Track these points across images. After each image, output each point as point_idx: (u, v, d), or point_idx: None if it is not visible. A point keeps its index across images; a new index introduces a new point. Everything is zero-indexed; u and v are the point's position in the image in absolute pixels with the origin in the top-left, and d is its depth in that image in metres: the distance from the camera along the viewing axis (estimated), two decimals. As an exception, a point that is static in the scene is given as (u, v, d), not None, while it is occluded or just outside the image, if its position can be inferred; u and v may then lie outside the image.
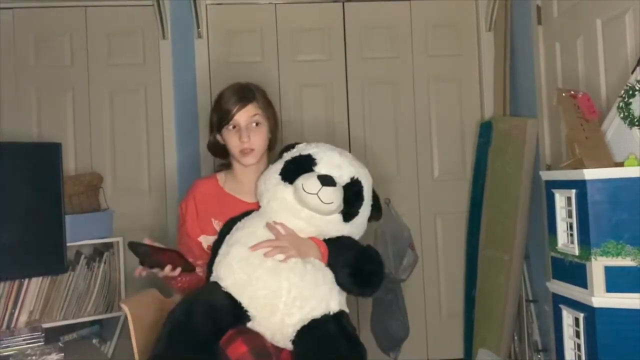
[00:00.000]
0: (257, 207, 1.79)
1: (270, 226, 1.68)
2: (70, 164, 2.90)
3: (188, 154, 3.00)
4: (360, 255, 1.71)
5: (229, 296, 1.58)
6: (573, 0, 2.33)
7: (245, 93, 1.84)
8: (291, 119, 3.08)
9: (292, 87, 3.10)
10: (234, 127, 1.82)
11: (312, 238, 1.69)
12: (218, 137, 1.89)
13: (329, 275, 1.65)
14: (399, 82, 3.16)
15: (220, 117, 1.83)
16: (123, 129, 3.01)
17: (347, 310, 1.68)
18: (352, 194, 1.69)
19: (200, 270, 1.78)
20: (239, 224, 1.72)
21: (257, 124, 1.83)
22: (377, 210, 1.81)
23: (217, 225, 1.82)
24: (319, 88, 3.12)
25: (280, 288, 1.57)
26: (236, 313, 1.58)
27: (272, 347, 1.59)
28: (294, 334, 1.57)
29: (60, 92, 2.97)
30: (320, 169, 1.69)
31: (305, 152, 1.74)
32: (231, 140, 1.82)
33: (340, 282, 1.66)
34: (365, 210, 1.75)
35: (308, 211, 1.65)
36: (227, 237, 1.70)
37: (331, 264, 1.67)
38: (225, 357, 1.50)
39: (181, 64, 3.03)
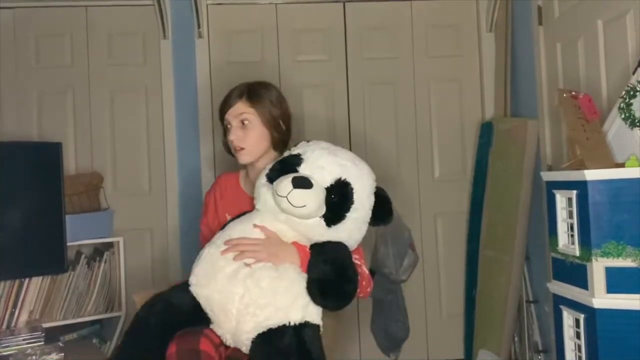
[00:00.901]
0: None
1: (258, 227, 1.64)
2: (70, 164, 2.90)
3: (188, 153, 3.00)
4: (335, 269, 1.57)
5: (191, 297, 1.57)
6: (574, 1, 2.33)
7: (237, 92, 1.85)
8: (292, 119, 3.08)
9: (293, 87, 3.09)
10: (228, 126, 1.85)
11: (294, 243, 1.61)
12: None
13: (295, 284, 1.55)
14: (399, 83, 3.16)
15: (220, 117, 1.89)
16: (123, 129, 3.01)
17: (316, 322, 1.56)
18: (336, 196, 1.58)
19: None
20: (229, 224, 1.70)
21: (244, 122, 1.82)
22: (382, 213, 1.68)
23: None
24: (320, 88, 3.12)
25: (233, 293, 1.52)
26: (195, 314, 1.56)
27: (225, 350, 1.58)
28: (250, 342, 1.51)
29: (60, 92, 2.97)
30: (304, 169, 1.60)
31: (295, 152, 1.67)
32: (228, 139, 1.86)
33: (307, 288, 1.56)
34: (358, 214, 1.61)
35: (286, 215, 1.58)
36: (215, 236, 1.68)
37: (308, 272, 1.57)
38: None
39: (182, 64, 3.03)
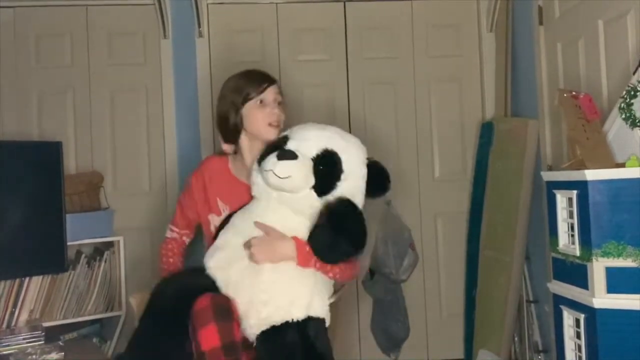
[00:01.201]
0: None
1: (257, 224, 1.68)
2: (71, 163, 2.90)
3: (189, 153, 3.00)
4: (339, 204, 1.60)
5: (208, 277, 1.62)
6: (574, 1, 2.32)
7: (269, 75, 1.92)
8: (291, 119, 3.07)
9: (293, 87, 3.09)
10: (261, 102, 1.85)
11: (294, 238, 1.63)
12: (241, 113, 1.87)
13: (295, 281, 1.59)
14: (400, 82, 3.15)
15: (249, 92, 1.84)
16: (124, 128, 3.01)
17: (321, 316, 1.60)
18: (324, 166, 1.60)
19: None
20: (239, 211, 1.75)
21: (279, 103, 1.89)
22: (378, 184, 1.69)
23: (222, 205, 1.86)
24: (320, 88, 3.11)
25: (244, 285, 1.59)
26: (212, 291, 1.59)
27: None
28: (254, 336, 1.55)
29: (61, 91, 2.97)
30: (290, 145, 1.64)
31: (284, 133, 1.74)
32: (258, 113, 1.85)
33: (312, 241, 1.58)
34: (349, 183, 1.63)
35: (276, 191, 1.62)
36: (228, 223, 1.74)
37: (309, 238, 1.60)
38: (196, 340, 1.48)
39: (182, 63, 3.03)
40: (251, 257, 1.62)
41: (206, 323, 1.46)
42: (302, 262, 1.62)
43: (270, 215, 1.65)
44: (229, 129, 1.88)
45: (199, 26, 3.00)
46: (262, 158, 1.67)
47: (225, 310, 1.51)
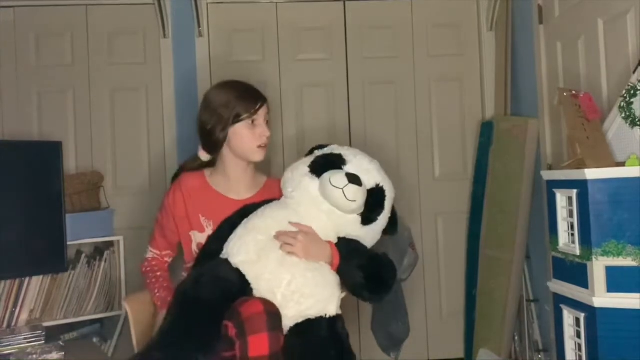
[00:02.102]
0: (243, 204, 1.82)
1: (294, 224, 1.70)
2: (71, 163, 2.90)
3: (189, 152, 2.97)
4: (375, 260, 1.74)
5: (237, 272, 1.61)
6: (574, 0, 2.32)
7: (261, 93, 1.89)
8: (292, 119, 3.08)
9: (293, 87, 3.10)
10: (252, 122, 1.83)
11: (330, 243, 1.71)
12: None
13: (333, 279, 1.67)
14: (400, 82, 3.15)
15: (241, 111, 1.81)
16: (124, 128, 3.01)
17: (341, 314, 1.67)
18: (374, 199, 1.73)
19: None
20: (257, 211, 1.75)
21: (268, 122, 1.88)
22: (392, 224, 1.84)
23: (205, 222, 1.83)
24: (320, 87, 3.11)
25: (281, 279, 1.59)
26: (242, 287, 1.59)
27: None
28: (287, 329, 1.58)
29: (61, 91, 2.97)
30: (349, 169, 1.72)
31: (337, 152, 1.79)
32: (248, 134, 1.83)
33: (352, 285, 1.70)
34: (383, 219, 1.78)
35: (329, 205, 1.68)
36: (245, 221, 1.72)
37: (341, 269, 1.69)
38: (237, 314, 1.48)
39: (182, 63, 3.03)
40: (285, 248, 1.63)
41: (259, 331, 1.46)
42: (335, 268, 1.69)
43: (313, 223, 1.71)
44: (211, 141, 1.86)
45: (199, 26, 3.00)
46: (316, 167, 1.72)
47: (278, 320, 1.52)
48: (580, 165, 1.65)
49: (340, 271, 1.69)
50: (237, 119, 1.81)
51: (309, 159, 1.77)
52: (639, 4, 1.90)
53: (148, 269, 1.93)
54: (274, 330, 1.48)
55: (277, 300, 1.57)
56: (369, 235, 1.77)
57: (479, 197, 2.97)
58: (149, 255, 1.96)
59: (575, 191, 1.60)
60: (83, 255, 2.61)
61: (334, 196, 1.66)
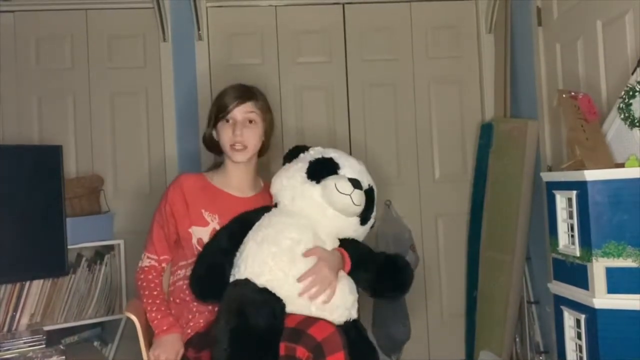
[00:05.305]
0: (246, 201, 1.84)
1: (307, 254, 1.69)
2: (71, 167, 2.90)
3: (189, 156, 3.00)
4: (391, 260, 1.83)
5: (267, 291, 1.61)
6: (573, 1, 2.33)
7: (246, 91, 1.89)
8: (291, 121, 3.08)
9: (293, 89, 3.10)
10: (228, 121, 1.85)
11: (338, 249, 1.75)
12: (213, 131, 1.92)
13: (352, 285, 1.73)
14: (399, 84, 3.16)
15: (218, 110, 1.87)
16: (124, 132, 3.01)
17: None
18: (369, 199, 1.78)
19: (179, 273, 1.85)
20: (261, 221, 1.74)
21: (251, 122, 1.86)
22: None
23: (208, 216, 1.83)
24: (320, 90, 3.12)
25: (309, 304, 1.64)
26: (279, 305, 1.60)
27: None
28: None
29: (61, 95, 2.98)
30: (345, 172, 1.75)
31: (327, 155, 1.81)
32: (224, 134, 1.85)
33: (371, 288, 1.78)
34: (374, 218, 1.86)
35: (333, 211, 1.72)
36: (251, 233, 1.72)
37: (354, 273, 1.75)
38: (308, 337, 1.50)
39: (182, 66, 3.03)
40: (325, 287, 1.65)
41: (336, 350, 1.50)
42: (347, 269, 1.75)
43: (320, 229, 1.74)
44: (205, 141, 1.95)
45: (199, 29, 3.00)
46: (313, 173, 1.75)
47: (345, 337, 1.56)
48: (580, 166, 1.65)
49: (354, 274, 1.75)
50: (217, 117, 1.87)
51: (302, 166, 1.78)
52: (638, 4, 1.90)
53: (144, 284, 1.86)
54: (346, 348, 1.52)
55: (312, 312, 1.62)
56: (364, 233, 1.85)
57: (479, 199, 2.97)
58: (145, 263, 1.90)
59: (574, 192, 1.60)
60: (83, 259, 2.61)
61: (343, 203, 1.69)
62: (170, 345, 1.75)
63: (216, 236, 1.77)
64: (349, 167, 1.78)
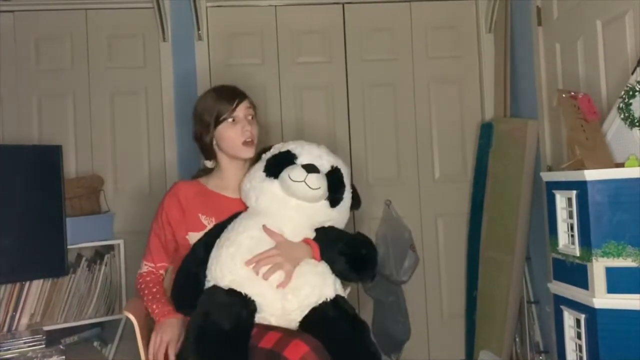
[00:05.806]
0: (243, 202, 1.84)
1: (267, 230, 1.72)
2: (71, 167, 2.90)
3: (189, 156, 3.00)
4: (352, 242, 1.80)
5: (234, 292, 1.63)
6: (573, 1, 2.33)
7: (237, 90, 1.92)
8: (291, 121, 3.08)
9: (293, 89, 3.10)
10: (233, 120, 1.86)
11: (305, 240, 1.75)
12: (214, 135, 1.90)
13: (321, 267, 1.72)
14: (399, 84, 3.16)
15: (220, 112, 1.86)
16: (124, 132, 3.01)
17: (343, 294, 1.75)
18: (334, 180, 1.78)
19: None
20: (228, 226, 1.76)
21: (252, 117, 1.91)
22: (355, 199, 1.89)
23: (205, 220, 1.85)
24: (320, 90, 3.12)
25: (272, 282, 1.65)
26: (246, 304, 1.62)
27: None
28: (297, 325, 1.65)
29: (60, 95, 2.98)
30: (302, 160, 1.76)
31: (284, 149, 1.82)
32: (231, 133, 1.86)
33: (338, 271, 1.75)
34: (347, 196, 1.83)
35: (296, 200, 1.72)
36: (217, 240, 1.74)
37: (325, 257, 1.74)
38: (282, 359, 1.49)
39: (181, 66, 3.03)
40: (270, 272, 1.65)
41: None
42: (318, 258, 1.74)
43: (287, 223, 1.75)
44: (204, 148, 1.93)
45: (198, 29, 3.00)
46: (270, 169, 1.76)
47: (324, 350, 1.54)
48: (580, 166, 1.65)
49: (326, 261, 1.74)
50: (218, 120, 1.86)
51: (261, 165, 1.80)
52: (638, 4, 1.90)
53: (142, 285, 1.89)
54: None
55: (285, 307, 1.64)
56: (341, 216, 1.83)
57: (479, 199, 2.97)
58: (144, 269, 1.93)
59: (574, 192, 1.60)
60: (83, 259, 2.61)
61: (299, 190, 1.70)
62: (170, 328, 1.75)
63: (193, 248, 1.79)
64: (307, 153, 1.78)
